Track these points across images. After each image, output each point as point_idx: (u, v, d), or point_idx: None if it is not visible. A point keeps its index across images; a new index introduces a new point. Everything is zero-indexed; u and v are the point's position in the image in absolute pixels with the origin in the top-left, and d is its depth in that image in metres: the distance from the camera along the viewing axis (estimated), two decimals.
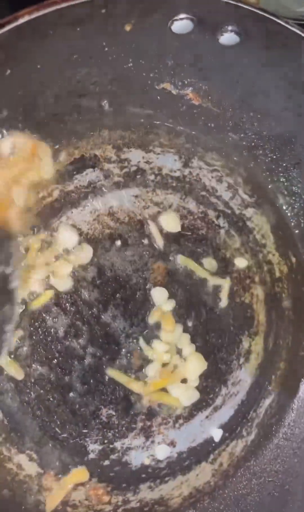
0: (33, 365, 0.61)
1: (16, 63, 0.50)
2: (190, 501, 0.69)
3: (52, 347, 0.62)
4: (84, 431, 0.64)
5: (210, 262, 0.69)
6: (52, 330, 0.62)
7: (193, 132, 0.68)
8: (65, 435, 0.63)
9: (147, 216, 0.66)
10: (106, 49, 0.55)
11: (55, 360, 0.62)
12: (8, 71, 0.50)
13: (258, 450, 0.72)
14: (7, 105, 0.55)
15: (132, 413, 0.66)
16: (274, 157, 0.69)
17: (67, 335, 0.62)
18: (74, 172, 0.64)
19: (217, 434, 0.68)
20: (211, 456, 0.70)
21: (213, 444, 0.70)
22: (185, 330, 0.67)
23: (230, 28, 0.53)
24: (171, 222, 0.65)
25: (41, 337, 0.61)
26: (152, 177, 0.66)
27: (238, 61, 0.59)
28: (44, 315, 0.61)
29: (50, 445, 0.63)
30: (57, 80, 0.56)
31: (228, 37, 0.54)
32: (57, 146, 0.63)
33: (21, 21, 0.43)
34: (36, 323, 0.61)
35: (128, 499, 0.65)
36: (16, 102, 0.55)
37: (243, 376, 0.71)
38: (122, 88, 0.62)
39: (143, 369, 0.64)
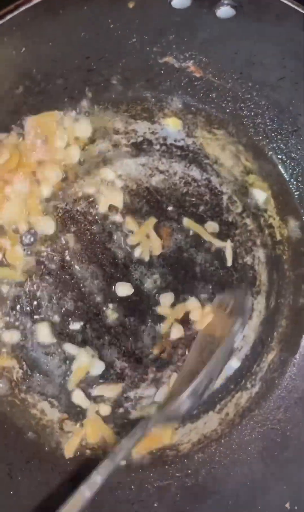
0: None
1: (30, 41, 0.56)
2: (199, 447, 0.75)
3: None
4: (101, 381, 0.70)
5: (213, 226, 0.74)
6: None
7: (195, 103, 0.72)
8: None
9: (154, 184, 0.71)
10: (112, 26, 0.61)
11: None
12: (23, 48, 0.56)
13: (261, 401, 0.78)
14: (22, 82, 0.60)
15: (144, 365, 0.71)
16: (273, 125, 0.73)
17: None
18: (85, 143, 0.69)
19: (235, 364, 0.75)
20: (218, 406, 0.76)
21: (219, 395, 0.75)
22: None
23: (226, 1, 0.57)
24: None
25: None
26: (157, 146, 0.72)
27: (234, 34, 0.64)
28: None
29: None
30: (67, 56, 0.62)
31: (224, 11, 0.59)
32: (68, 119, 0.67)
33: (35, 1, 0.48)
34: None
35: None
36: (30, 78, 0.61)
37: (247, 332, 0.76)
38: (127, 63, 0.66)
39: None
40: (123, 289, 0.71)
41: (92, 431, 0.69)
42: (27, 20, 0.52)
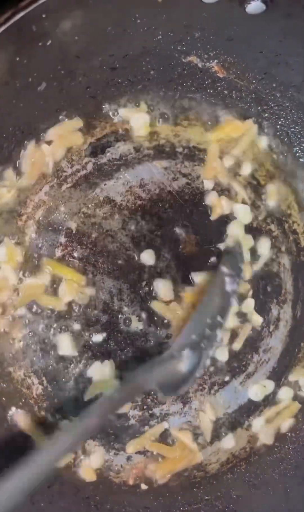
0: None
1: (56, 34, 0.55)
2: (228, 467, 0.72)
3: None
4: None
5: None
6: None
7: (218, 105, 0.71)
8: None
9: (176, 188, 0.69)
10: (138, 21, 0.60)
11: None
12: (49, 41, 0.54)
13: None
14: (45, 78, 0.59)
15: None
16: (296, 127, 0.73)
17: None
18: (107, 146, 0.67)
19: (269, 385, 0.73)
20: (246, 423, 0.73)
21: (248, 411, 0.72)
22: None
23: None
24: None
25: None
26: (180, 149, 0.70)
27: (261, 31, 0.64)
28: None
29: None
30: (91, 53, 0.60)
31: (254, 6, 0.58)
32: (89, 122, 0.66)
33: None
34: None
35: None
36: (54, 74, 0.59)
37: (274, 343, 0.74)
38: (151, 62, 0.65)
39: None
40: (148, 257, 0.69)
41: None
42: (56, 9, 0.50)
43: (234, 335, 0.73)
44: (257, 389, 0.75)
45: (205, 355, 0.67)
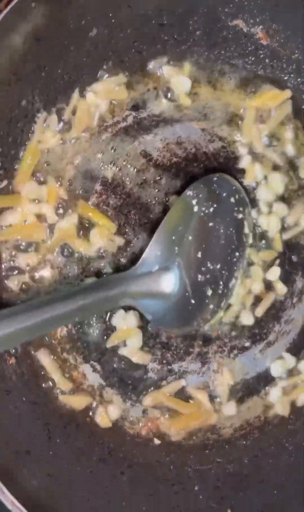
0: None
1: None
2: (241, 433, 0.73)
3: None
4: (146, 348, 0.68)
5: None
6: None
7: (258, 73, 0.73)
8: None
9: (212, 150, 0.71)
10: None
11: None
12: None
13: None
14: (97, 24, 0.61)
15: (190, 337, 0.70)
16: None
17: None
18: (148, 101, 0.70)
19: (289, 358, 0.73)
20: (263, 391, 0.73)
21: (265, 380, 0.73)
22: None
23: None
24: None
25: None
26: (219, 113, 0.72)
27: None
28: None
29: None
30: (143, 3, 0.63)
31: None
32: (133, 77, 0.68)
33: None
34: None
35: None
36: (106, 22, 0.62)
37: (296, 315, 0.75)
38: (198, 22, 0.68)
39: None
40: None
41: None
42: None
43: (257, 301, 0.74)
44: (279, 366, 0.75)
45: (190, 280, 0.67)
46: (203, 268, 0.66)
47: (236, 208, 0.67)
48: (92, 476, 0.62)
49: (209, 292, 0.67)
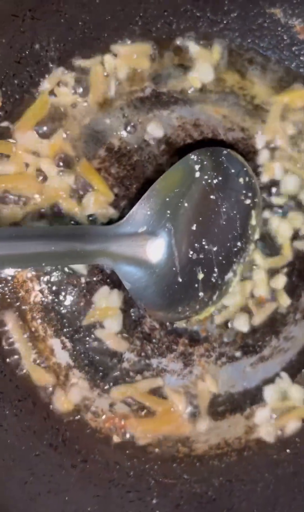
0: None
1: None
2: (217, 452, 0.68)
3: None
4: (125, 335, 0.64)
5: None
6: None
7: (290, 69, 0.72)
8: None
9: (230, 139, 0.69)
10: None
11: None
12: None
13: None
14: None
15: (176, 333, 0.66)
16: None
17: None
18: (171, 77, 0.69)
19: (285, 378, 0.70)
20: (248, 410, 0.69)
21: (252, 398, 0.68)
22: None
23: None
24: None
25: None
26: (244, 103, 0.71)
27: None
28: None
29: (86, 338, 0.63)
30: None
31: None
32: (158, 48, 0.68)
33: None
34: None
35: None
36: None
37: (297, 333, 0.72)
38: (234, 3, 0.69)
39: None
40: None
41: None
42: None
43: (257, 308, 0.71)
44: (273, 387, 0.71)
45: (179, 253, 0.63)
46: (196, 244, 0.63)
47: (244, 192, 0.64)
48: (37, 460, 0.57)
49: (200, 276, 0.63)
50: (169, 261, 0.62)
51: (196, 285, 0.64)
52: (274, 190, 0.72)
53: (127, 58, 0.69)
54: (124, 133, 0.69)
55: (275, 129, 0.73)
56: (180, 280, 0.63)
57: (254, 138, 0.73)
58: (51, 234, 0.57)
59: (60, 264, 0.63)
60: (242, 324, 0.70)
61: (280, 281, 0.72)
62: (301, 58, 0.74)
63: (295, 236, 0.73)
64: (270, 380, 0.71)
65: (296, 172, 0.73)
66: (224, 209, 0.64)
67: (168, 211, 0.62)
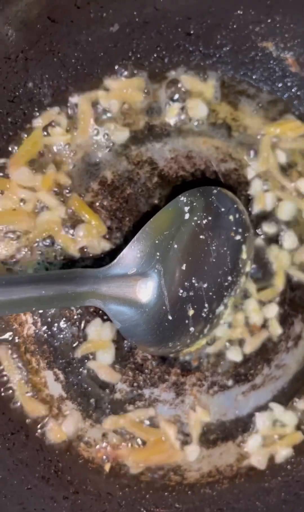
0: None
1: None
2: (208, 480, 0.68)
3: None
4: (117, 366, 0.65)
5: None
6: None
7: (282, 101, 0.73)
8: None
9: (223, 170, 0.70)
10: None
11: None
12: None
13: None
14: (119, 20, 0.62)
15: (168, 363, 0.66)
16: None
17: None
18: (163, 110, 0.69)
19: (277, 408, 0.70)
20: (239, 438, 0.69)
21: (244, 426, 0.69)
22: None
23: None
24: None
25: None
26: (236, 134, 0.72)
27: None
28: None
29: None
30: (171, 10, 0.65)
31: None
32: (151, 82, 0.69)
33: None
34: None
35: None
36: (129, 20, 0.63)
37: (289, 361, 0.72)
38: (226, 38, 0.69)
39: None
40: None
41: None
42: None
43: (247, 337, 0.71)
44: (265, 416, 0.72)
45: (169, 293, 0.63)
46: (186, 283, 0.63)
47: (234, 228, 0.65)
48: (29, 493, 0.58)
49: (191, 312, 0.63)
50: (159, 301, 0.63)
51: (187, 321, 0.64)
52: (266, 219, 0.73)
53: (120, 92, 0.70)
54: (117, 166, 0.70)
55: (266, 161, 0.74)
56: (170, 317, 0.63)
57: (246, 169, 0.73)
58: (41, 279, 0.58)
59: (50, 307, 0.64)
60: (235, 354, 0.71)
61: (272, 310, 0.73)
62: (293, 89, 0.74)
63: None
64: (262, 408, 0.72)
65: (289, 200, 0.73)
66: (214, 247, 0.65)
67: (158, 253, 0.63)
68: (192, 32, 0.70)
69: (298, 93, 0.75)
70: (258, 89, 0.75)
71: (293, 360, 0.74)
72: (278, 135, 0.75)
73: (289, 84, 0.75)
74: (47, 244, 0.67)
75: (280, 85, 0.75)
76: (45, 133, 0.68)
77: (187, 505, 0.68)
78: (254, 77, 0.75)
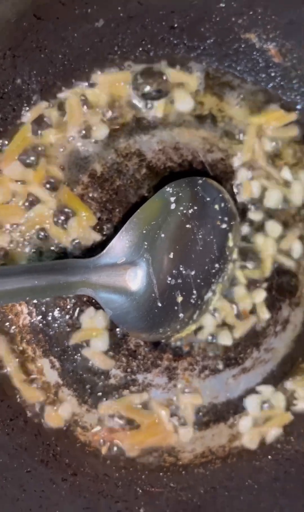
0: None
1: None
2: (202, 460, 0.71)
3: None
4: (111, 353, 0.67)
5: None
6: None
7: (266, 91, 0.74)
8: None
9: (209, 160, 0.72)
10: None
11: None
12: None
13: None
14: (104, 15, 0.64)
15: (160, 348, 0.68)
16: None
17: None
18: (151, 102, 0.71)
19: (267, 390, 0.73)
20: (231, 420, 0.71)
21: (235, 408, 0.71)
22: None
23: None
24: None
25: None
26: (222, 124, 0.73)
27: None
28: None
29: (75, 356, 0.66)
30: (154, 3, 0.65)
31: None
32: (137, 75, 0.70)
33: None
34: None
35: None
36: (113, 15, 0.64)
37: (277, 345, 0.74)
38: (210, 30, 0.70)
39: None
40: None
41: None
42: None
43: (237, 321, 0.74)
44: (255, 399, 0.74)
45: (157, 281, 0.66)
46: (174, 271, 0.66)
47: (219, 217, 0.67)
48: (29, 476, 0.60)
49: (179, 299, 0.65)
50: (148, 288, 0.65)
51: (176, 308, 0.67)
52: (253, 207, 0.75)
53: (107, 86, 0.72)
54: (106, 159, 0.72)
55: (252, 150, 0.76)
56: (160, 304, 0.66)
57: (233, 158, 0.75)
58: (34, 270, 0.60)
59: (43, 297, 0.66)
60: (225, 338, 0.73)
61: (260, 295, 0.75)
62: (277, 80, 0.76)
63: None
64: (252, 390, 0.74)
65: (275, 188, 0.75)
66: (200, 236, 0.67)
67: (146, 243, 0.65)
68: (176, 25, 0.72)
69: (282, 83, 0.77)
70: (242, 80, 0.76)
71: (281, 344, 0.76)
72: (263, 125, 0.76)
73: (272, 74, 0.76)
74: (40, 236, 0.69)
75: (263, 75, 0.77)
76: (35, 127, 0.69)
77: (182, 485, 0.70)
78: (238, 68, 0.76)
